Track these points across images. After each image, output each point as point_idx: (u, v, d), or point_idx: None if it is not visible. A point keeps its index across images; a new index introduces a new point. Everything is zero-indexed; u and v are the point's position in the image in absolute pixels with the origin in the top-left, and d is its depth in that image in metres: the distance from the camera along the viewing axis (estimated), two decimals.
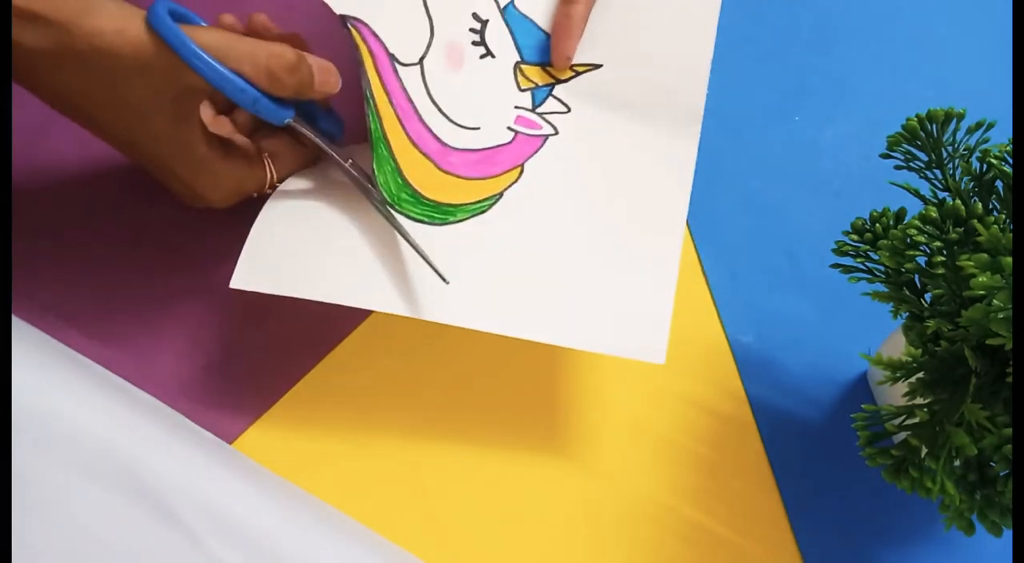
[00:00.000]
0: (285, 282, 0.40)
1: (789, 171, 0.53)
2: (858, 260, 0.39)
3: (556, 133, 0.46)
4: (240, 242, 0.40)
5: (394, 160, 0.41)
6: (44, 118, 0.39)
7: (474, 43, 0.45)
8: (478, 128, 0.45)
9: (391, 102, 0.42)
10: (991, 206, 0.36)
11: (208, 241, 0.47)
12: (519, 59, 0.46)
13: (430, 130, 0.43)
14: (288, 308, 0.46)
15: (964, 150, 0.38)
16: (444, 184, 0.43)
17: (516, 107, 0.45)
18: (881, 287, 0.38)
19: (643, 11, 0.46)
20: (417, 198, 0.42)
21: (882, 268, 0.38)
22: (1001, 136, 0.38)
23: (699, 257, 0.50)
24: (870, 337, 0.46)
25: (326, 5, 0.41)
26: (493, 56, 0.45)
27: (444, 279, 0.40)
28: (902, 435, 0.35)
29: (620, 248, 0.43)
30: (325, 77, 0.41)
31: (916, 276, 0.37)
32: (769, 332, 0.48)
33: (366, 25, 0.42)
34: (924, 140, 0.38)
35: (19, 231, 0.46)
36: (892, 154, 0.39)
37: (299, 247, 0.41)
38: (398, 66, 0.43)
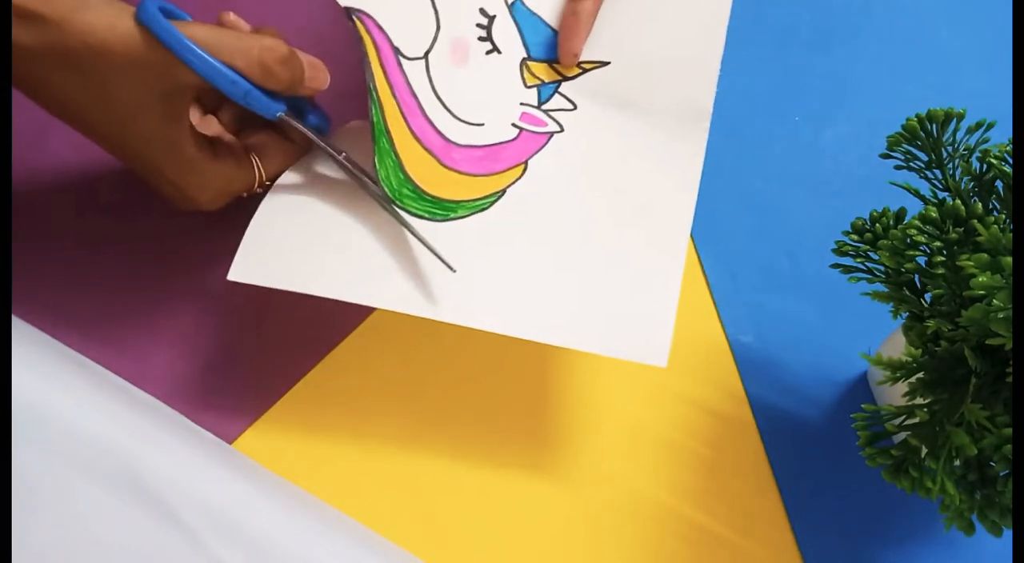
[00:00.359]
0: (283, 276, 0.40)
1: (789, 171, 0.53)
2: (858, 260, 0.39)
3: (561, 130, 0.45)
4: (236, 245, 0.40)
5: (396, 155, 0.41)
6: (43, 122, 0.39)
7: (480, 39, 0.45)
8: (482, 124, 0.45)
9: (394, 96, 0.42)
10: (991, 206, 0.36)
11: (206, 244, 0.47)
12: (526, 55, 0.46)
13: (433, 125, 0.43)
14: (287, 308, 0.46)
15: (964, 150, 0.38)
16: (446, 180, 0.43)
17: (521, 104, 0.45)
18: (881, 287, 0.38)
19: (652, 9, 0.45)
20: (419, 194, 0.42)
21: (882, 268, 0.38)
22: (1001, 136, 0.37)
23: (699, 257, 0.50)
24: (870, 337, 0.46)
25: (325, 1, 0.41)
26: (499, 52, 0.45)
27: (451, 268, 0.40)
28: (902, 435, 0.34)
29: (624, 248, 0.43)
30: (314, 73, 0.41)
31: (916, 276, 0.37)
32: (769, 332, 0.48)
33: (371, 17, 0.41)
34: (924, 140, 0.38)
35: (19, 232, 0.46)
36: (892, 154, 0.39)
37: (298, 241, 0.41)
38: (402, 60, 0.42)
